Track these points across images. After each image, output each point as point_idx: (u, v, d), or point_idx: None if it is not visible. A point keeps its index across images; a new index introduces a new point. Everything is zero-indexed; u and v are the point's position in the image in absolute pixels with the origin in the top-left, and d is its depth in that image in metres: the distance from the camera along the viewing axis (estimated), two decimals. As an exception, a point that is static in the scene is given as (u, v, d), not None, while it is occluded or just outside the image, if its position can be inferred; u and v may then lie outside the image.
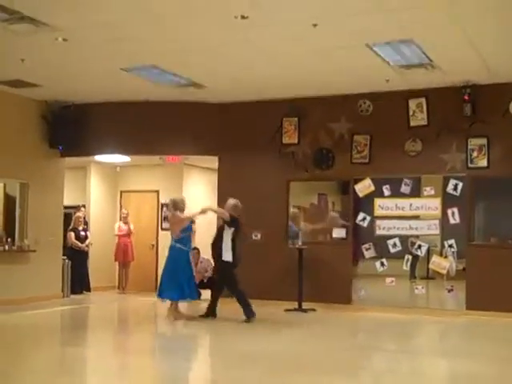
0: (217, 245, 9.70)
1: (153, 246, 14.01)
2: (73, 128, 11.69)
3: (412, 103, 10.52)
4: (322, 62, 9.16)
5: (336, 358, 7.06)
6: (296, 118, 11.28)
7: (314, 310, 10.56)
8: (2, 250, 11.06)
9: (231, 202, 9.91)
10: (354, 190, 10.94)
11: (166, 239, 13.67)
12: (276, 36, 8.11)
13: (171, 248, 9.83)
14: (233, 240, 9.62)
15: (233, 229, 9.67)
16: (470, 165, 10.29)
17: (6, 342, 7.89)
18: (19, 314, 10.03)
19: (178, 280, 9.51)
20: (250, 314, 9.48)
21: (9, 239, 11.31)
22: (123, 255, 13.63)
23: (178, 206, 9.91)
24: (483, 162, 10.21)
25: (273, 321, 9.89)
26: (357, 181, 10.93)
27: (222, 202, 11.86)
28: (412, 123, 10.55)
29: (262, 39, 8.23)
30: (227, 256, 9.59)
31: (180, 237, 9.74)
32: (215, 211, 10.47)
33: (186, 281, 9.62)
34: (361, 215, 10.91)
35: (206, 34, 8.07)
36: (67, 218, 12.91)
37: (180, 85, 10.46)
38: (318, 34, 7.95)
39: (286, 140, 11.37)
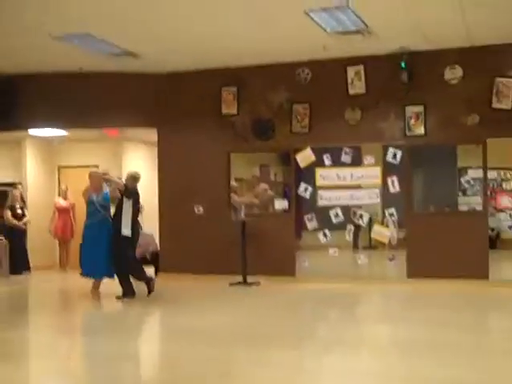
0: (115, 219, 9.27)
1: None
2: (3, 101, 11.26)
3: (350, 71, 10.47)
4: (260, 29, 9.02)
5: (281, 330, 7.04)
6: (235, 88, 11.12)
7: (258, 283, 10.50)
8: None
9: (129, 172, 9.83)
10: (296, 160, 10.88)
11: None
12: (212, 1, 7.90)
13: None
14: (133, 213, 9.23)
15: (131, 200, 9.25)
16: (407, 133, 10.34)
17: None
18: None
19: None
20: (130, 292, 9.25)
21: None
22: (62, 232, 13.33)
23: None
24: (420, 130, 10.25)
25: (217, 295, 9.83)
26: (297, 151, 10.86)
27: (163, 174, 11.72)
28: (351, 91, 10.52)
29: (196, 5, 8.01)
30: (126, 231, 9.11)
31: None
32: (109, 180, 9.75)
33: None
34: (302, 186, 10.87)
35: (139, 1, 7.82)
36: (3, 195, 12.54)
37: (115, 54, 10.15)
38: (255, 0, 7.79)
39: (225, 110, 11.20)
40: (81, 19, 8.54)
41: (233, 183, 11.45)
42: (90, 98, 11.38)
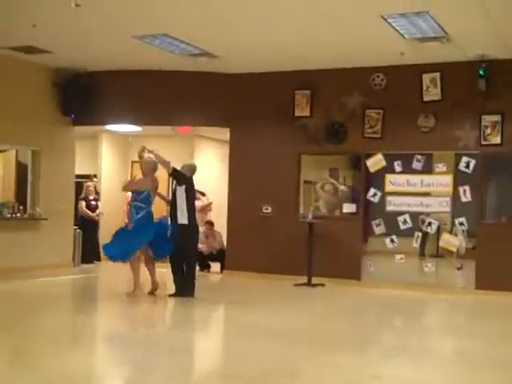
0: (172, 208, 8.91)
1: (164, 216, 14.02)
2: (84, 96, 11.64)
3: (426, 78, 10.34)
4: (336, 33, 9.03)
5: (345, 334, 7.05)
6: (308, 91, 11.17)
7: (323, 285, 10.53)
8: (14, 218, 11.09)
9: (188, 162, 9.57)
10: (366, 165, 10.86)
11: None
12: (289, 5, 7.98)
13: None
14: (187, 201, 8.78)
15: (184, 186, 8.83)
16: (483, 142, 10.15)
17: (15, 309, 7.94)
18: (29, 281, 10.09)
19: None
20: (188, 292, 8.80)
21: (21, 207, 11.34)
22: (136, 224, 13.61)
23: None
24: (497, 139, 10.06)
25: (282, 295, 9.90)
26: (368, 156, 10.83)
27: (233, 173, 11.89)
28: (425, 98, 10.40)
29: (275, 9, 8.11)
30: (183, 218, 8.73)
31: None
32: (157, 156, 9.07)
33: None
34: (371, 191, 10.83)
35: (219, 3, 7.98)
36: (79, 187, 12.96)
37: (193, 54, 10.35)
38: (332, 4, 7.83)
39: (298, 112, 11.27)
40: (161, 20, 8.77)
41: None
42: (166, 95, 11.62)
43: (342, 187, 12.06)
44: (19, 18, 8.73)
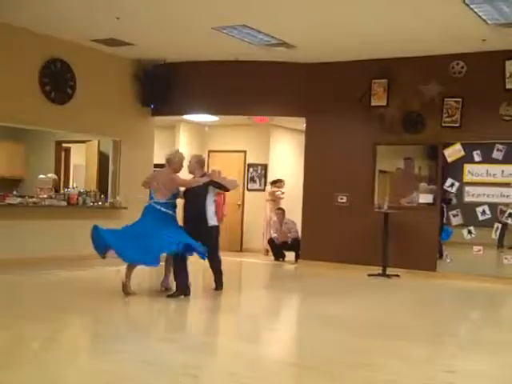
0: (198, 209, 8.09)
1: (239, 205, 14.22)
2: (164, 87, 11.90)
3: (509, 64, 10.05)
4: (415, 20, 8.86)
5: (420, 325, 6.98)
6: (385, 80, 11.05)
7: (397, 275, 10.46)
8: (96, 206, 11.42)
9: (196, 155, 8.79)
10: (443, 154, 10.68)
11: (251, 199, 13.94)
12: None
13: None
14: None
15: (216, 190, 8.37)
16: None
17: (95, 295, 8.23)
18: (109, 268, 10.34)
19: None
20: (220, 285, 8.39)
21: (102, 196, 11.72)
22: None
23: (171, 162, 8.08)
24: None
25: (356, 285, 9.90)
26: (446, 145, 10.65)
27: (308, 163, 11.92)
28: (508, 86, 10.09)
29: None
30: (213, 220, 8.22)
31: (167, 201, 7.91)
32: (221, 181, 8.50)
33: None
34: (449, 181, 10.64)
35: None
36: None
37: (270, 44, 10.42)
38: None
39: (374, 102, 11.18)
40: (240, 11, 8.87)
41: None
42: (243, 85, 11.77)
43: None
44: (103, 11, 9.02)
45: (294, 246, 12.36)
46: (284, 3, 8.42)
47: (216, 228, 8.30)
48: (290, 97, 11.80)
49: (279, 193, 13.36)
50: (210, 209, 8.17)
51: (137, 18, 9.37)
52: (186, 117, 13.08)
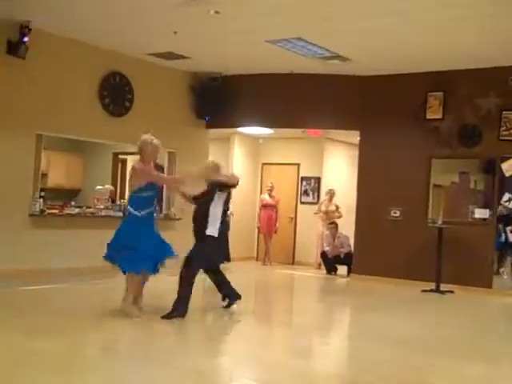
0: (201, 214, 7.31)
1: (292, 218, 14.24)
2: (219, 99, 12.04)
3: None
4: (470, 30, 8.74)
5: (474, 343, 6.87)
6: (441, 93, 10.94)
7: (451, 292, 10.28)
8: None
9: (212, 161, 8.16)
10: (500, 168, 10.47)
11: (304, 212, 13.94)
12: (425, 6, 7.88)
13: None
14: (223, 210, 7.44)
15: (225, 194, 7.52)
16: None
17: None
18: (166, 278, 10.44)
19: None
20: (182, 312, 7.01)
21: (157, 207, 11.84)
22: (267, 227, 13.85)
23: (142, 150, 7.02)
24: None
25: (409, 300, 9.77)
26: (503, 159, 10.44)
27: (362, 176, 11.87)
28: None
29: (409, 10, 8.05)
30: (213, 229, 7.21)
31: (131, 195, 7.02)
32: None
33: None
34: (506, 196, 10.43)
35: (351, 6, 8.04)
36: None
37: (324, 57, 10.45)
38: (470, 3, 7.64)
39: (429, 115, 11.07)
40: (295, 25, 8.95)
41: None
42: (297, 98, 11.83)
43: None
44: (161, 25, 9.23)
45: (347, 259, 12.29)
46: (338, 16, 8.44)
47: (212, 239, 7.21)
48: (344, 110, 11.79)
49: (336, 212, 13.22)
50: (214, 216, 7.23)
51: (193, 32, 9.53)
52: (240, 129, 13.20)
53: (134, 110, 11.20)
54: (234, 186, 7.68)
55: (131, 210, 6.85)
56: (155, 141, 7.00)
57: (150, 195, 6.93)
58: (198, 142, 12.55)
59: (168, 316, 6.85)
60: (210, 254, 7.30)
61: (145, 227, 6.86)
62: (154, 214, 7.08)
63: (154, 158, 7.10)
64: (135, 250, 6.69)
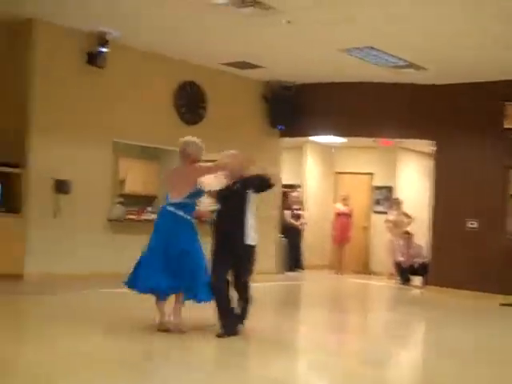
0: (234, 219, 6.20)
1: (365, 228, 14.11)
2: (292, 108, 12.08)
3: None
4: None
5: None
6: (519, 102, 10.63)
7: (531, 306, 9.94)
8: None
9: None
10: None
11: (378, 222, 13.78)
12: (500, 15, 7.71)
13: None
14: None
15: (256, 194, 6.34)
16: None
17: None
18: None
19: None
20: (231, 330, 6.19)
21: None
22: (341, 236, 13.79)
23: (184, 151, 6.40)
24: None
25: (486, 314, 9.49)
26: None
27: (438, 186, 11.63)
28: None
29: (473, 16, 7.90)
30: (252, 238, 6.21)
31: (185, 200, 6.24)
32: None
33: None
34: None
35: (425, 16, 7.96)
36: (284, 196, 13.36)
37: (398, 66, 10.37)
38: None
39: (506, 124, 10.75)
40: (367, 33, 8.93)
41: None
42: (369, 107, 11.76)
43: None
44: (235, 35, 9.38)
45: (421, 270, 12.06)
46: (411, 24, 8.37)
47: (253, 249, 6.31)
48: (418, 119, 11.61)
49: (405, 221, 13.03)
50: (250, 221, 6.21)
51: (266, 42, 9.63)
52: (312, 138, 13.20)
53: (208, 118, 11.39)
54: (271, 187, 6.48)
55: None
56: (198, 140, 6.43)
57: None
58: (271, 150, 12.57)
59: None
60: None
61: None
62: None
63: (197, 160, 6.40)
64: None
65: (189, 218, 6.21)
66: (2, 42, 9.62)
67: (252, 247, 6.25)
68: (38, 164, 9.34)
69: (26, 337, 6.27)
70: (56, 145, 9.50)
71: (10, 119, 9.50)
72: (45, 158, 9.38)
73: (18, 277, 9.00)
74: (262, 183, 6.30)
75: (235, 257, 6.16)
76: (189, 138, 6.44)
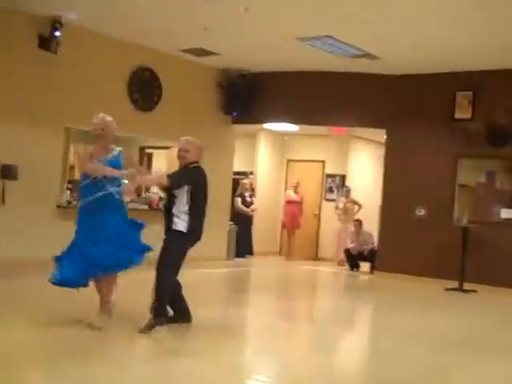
0: (168, 207, 6.23)
1: (316, 215, 14.29)
2: (246, 96, 12.08)
3: None
4: (500, 31, 8.63)
5: (499, 342, 6.84)
6: (471, 92, 10.89)
7: (475, 291, 10.27)
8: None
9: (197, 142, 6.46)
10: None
11: (329, 209, 13.97)
12: (458, 4, 7.85)
13: None
14: (192, 201, 6.15)
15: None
16: None
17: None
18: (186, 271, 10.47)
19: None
20: (161, 314, 6.07)
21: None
22: (291, 223, 13.95)
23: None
24: None
25: (432, 299, 9.81)
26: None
27: (388, 174, 11.86)
28: None
29: (433, 6, 7.99)
30: (181, 224, 6.12)
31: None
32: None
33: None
34: (533, 196, 10.39)
35: (383, 4, 8.04)
36: (235, 183, 13.43)
37: (353, 55, 10.45)
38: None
39: (458, 115, 11.04)
40: (325, 23, 8.96)
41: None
42: (323, 96, 11.85)
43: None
44: (192, 21, 9.28)
45: (370, 256, 12.33)
46: (368, 14, 8.43)
47: (181, 235, 6.14)
48: (371, 108, 11.78)
49: (354, 209, 13.27)
50: (179, 207, 6.13)
51: (223, 29, 9.59)
52: (266, 126, 13.26)
53: (162, 105, 11.28)
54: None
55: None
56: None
57: None
58: (224, 137, 12.60)
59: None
60: None
61: None
62: None
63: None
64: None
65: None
66: None
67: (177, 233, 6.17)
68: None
69: None
70: (3, 130, 9.20)
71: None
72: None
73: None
74: None
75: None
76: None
